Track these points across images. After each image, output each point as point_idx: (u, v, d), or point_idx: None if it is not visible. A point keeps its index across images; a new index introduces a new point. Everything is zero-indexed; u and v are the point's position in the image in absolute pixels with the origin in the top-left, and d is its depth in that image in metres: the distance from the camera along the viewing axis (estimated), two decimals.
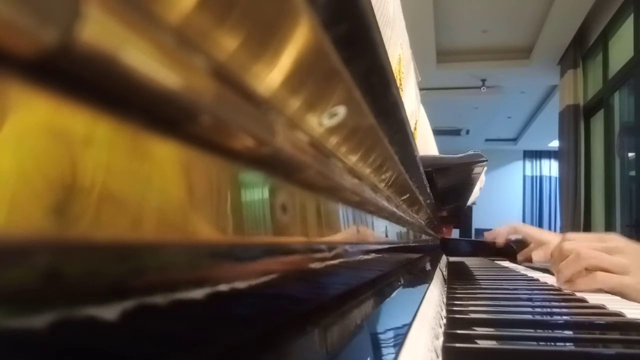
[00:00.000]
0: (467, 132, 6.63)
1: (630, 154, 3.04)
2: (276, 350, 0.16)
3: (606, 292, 0.72)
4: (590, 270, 0.75)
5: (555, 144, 4.92)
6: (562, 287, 0.77)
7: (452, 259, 1.59)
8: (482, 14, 3.66)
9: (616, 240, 0.78)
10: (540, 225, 7.31)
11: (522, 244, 1.29)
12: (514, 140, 7.21)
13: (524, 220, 7.37)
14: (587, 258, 0.75)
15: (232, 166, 0.14)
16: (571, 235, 0.83)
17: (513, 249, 1.37)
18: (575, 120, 3.79)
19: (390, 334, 0.32)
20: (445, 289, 0.66)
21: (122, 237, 0.10)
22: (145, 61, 0.09)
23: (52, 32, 0.07)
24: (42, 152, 0.08)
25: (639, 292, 0.70)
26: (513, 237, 1.38)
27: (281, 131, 0.16)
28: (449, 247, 1.80)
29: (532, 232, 1.23)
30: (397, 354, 0.27)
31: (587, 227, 3.63)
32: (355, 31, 0.19)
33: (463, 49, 4.30)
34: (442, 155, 1.28)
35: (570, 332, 0.43)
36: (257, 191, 0.16)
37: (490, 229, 1.50)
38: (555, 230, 7.06)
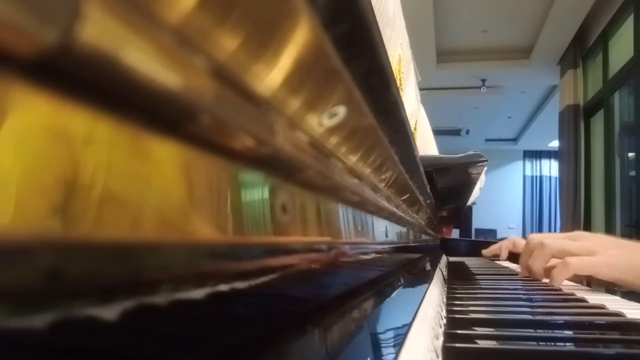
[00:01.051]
0: (467, 132, 6.63)
1: (630, 154, 3.04)
2: (276, 350, 0.16)
3: (579, 277, 0.74)
4: (557, 258, 0.77)
5: (555, 144, 4.92)
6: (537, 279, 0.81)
7: (452, 259, 1.59)
8: (482, 14, 3.66)
9: (577, 232, 0.82)
10: (540, 225, 7.30)
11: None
12: (514, 140, 7.21)
13: (524, 221, 7.37)
14: (551, 244, 0.79)
15: (232, 166, 0.14)
16: (534, 235, 0.88)
17: (513, 253, 1.38)
18: (575, 120, 3.79)
19: (390, 334, 0.32)
20: (445, 289, 0.66)
21: (123, 237, 0.10)
22: (145, 61, 0.09)
23: (52, 32, 0.07)
24: (42, 152, 0.08)
25: (610, 267, 0.71)
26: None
27: (281, 131, 0.16)
28: (449, 247, 1.80)
29: None
30: (397, 354, 0.27)
31: (587, 227, 3.63)
32: (355, 31, 0.19)
33: (463, 49, 4.30)
34: (442, 155, 1.28)
35: (570, 332, 0.43)
36: (257, 191, 0.16)
37: (490, 229, 1.53)
38: (555, 231, 7.05)
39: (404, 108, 0.34)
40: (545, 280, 0.81)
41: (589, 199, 3.71)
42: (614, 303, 0.57)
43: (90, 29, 0.08)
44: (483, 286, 0.74)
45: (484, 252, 1.51)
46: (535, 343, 0.38)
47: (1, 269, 0.07)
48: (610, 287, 0.76)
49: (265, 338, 0.16)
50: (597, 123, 3.62)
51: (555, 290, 0.72)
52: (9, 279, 0.07)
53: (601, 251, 0.74)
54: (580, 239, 0.78)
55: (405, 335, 0.31)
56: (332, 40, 0.17)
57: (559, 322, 0.47)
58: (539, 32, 3.84)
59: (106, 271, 0.09)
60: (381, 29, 0.23)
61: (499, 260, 1.45)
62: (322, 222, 0.23)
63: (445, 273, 0.94)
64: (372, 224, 0.37)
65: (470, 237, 5.04)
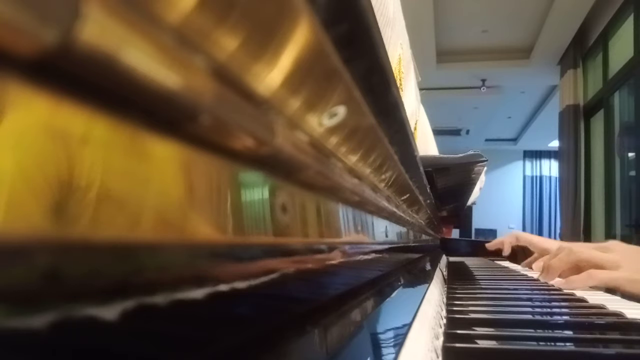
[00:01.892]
0: (467, 132, 6.63)
1: (630, 154, 3.04)
2: (276, 350, 0.16)
3: (600, 288, 0.74)
4: (582, 266, 0.77)
5: (555, 144, 4.91)
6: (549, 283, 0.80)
7: (452, 259, 1.59)
8: (482, 14, 3.66)
9: (611, 242, 0.81)
10: (540, 225, 7.30)
11: (523, 251, 1.30)
12: (514, 140, 7.21)
13: (524, 221, 7.37)
14: (579, 252, 0.78)
15: (232, 166, 0.14)
16: (566, 243, 0.88)
17: (514, 251, 1.37)
18: (575, 120, 3.79)
19: (390, 334, 0.32)
20: (445, 289, 0.66)
21: (123, 237, 0.10)
22: (145, 61, 0.09)
23: (52, 32, 0.07)
24: (42, 152, 0.08)
25: (632, 283, 0.72)
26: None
27: (281, 131, 0.16)
28: (449, 247, 1.80)
29: (534, 240, 1.23)
30: (397, 354, 0.27)
31: (587, 227, 3.63)
32: (355, 31, 0.19)
33: (463, 49, 4.30)
34: (442, 155, 1.28)
35: (570, 332, 0.43)
36: (257, 191, 0.16)
37: (490, 229, 1.53)
38: (555, 231, 7.03)
39: (404, 108, 0.34)
40: (559, 280, 0.80)
41: (589, 199, 3.71)
42: (614, 303, 0.57)
43: (90, 29, 0.08)
44: (483, 286, 0.74)
45: (487, 245, 1.51)
46: (535, 343, 0.38)
47: (0, 269, 0.07)
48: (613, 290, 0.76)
49: (265, 338, 0.16)
50: (597, 123, 3.62)
51: (555, 290, 0.72)
52: (6, 278, 0.07)
53: (627, 265, 0.74)
54: (611, 250, 0.78)
55: (405, 335, 0.31)
56: (332, 40, 0.17)
57: (559, 322, 0.47)
58: (539, 32, 3.84)
59: (108, 271, 0.09)
60: (381, 29, 0.23)
61: (501, 256, 1.45)
62: (322, 222, 0.23)
63: (445, 273, 0.94)
64: (372, 224, 0.37)
65: (471, 237, 5.04)
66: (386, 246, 0.44)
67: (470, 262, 1.42)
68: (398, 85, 0.74)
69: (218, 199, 0.13)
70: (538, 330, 0.42)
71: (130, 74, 0.09)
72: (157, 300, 0.10)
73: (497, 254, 1.46)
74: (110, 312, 0.09)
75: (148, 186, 0.10)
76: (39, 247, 0.08)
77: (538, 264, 1.08)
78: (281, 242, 0.18)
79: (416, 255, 0.77)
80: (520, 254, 1.34)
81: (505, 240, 1.41)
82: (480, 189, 2.19)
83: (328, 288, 0.25)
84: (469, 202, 2.22)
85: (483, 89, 4.81)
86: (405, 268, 0.58)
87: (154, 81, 0.09)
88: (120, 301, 0.09)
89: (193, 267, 0.12)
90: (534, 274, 1.02)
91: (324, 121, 0.20)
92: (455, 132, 6.56)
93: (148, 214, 0.10)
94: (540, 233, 7.22)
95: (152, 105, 0.10)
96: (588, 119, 3.78)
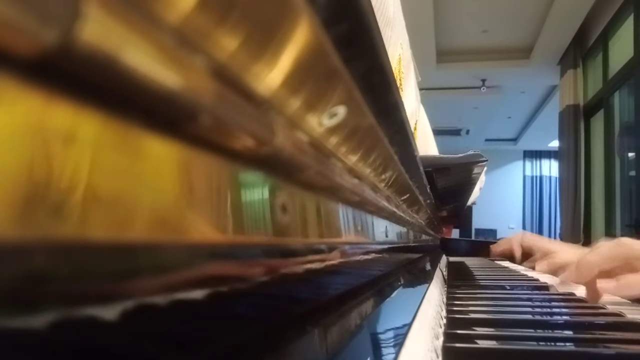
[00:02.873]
0: (467, 132, 6.63)
1: (630, 154, 3.05)
2: (276, 350, 0.16)
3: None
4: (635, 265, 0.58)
5: (555, 144, 4.92)
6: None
7: (452, 259, 1.59)
8: (482, 14, 3.66)
9: None
10: (540, 225, 7.31)
11: (527, 252, 1.26)
12: (514, 140, 7.22)
13: (524, 221, 7.37)
14: (632, 245, 0.59)
15: (232, 166, 0.14)
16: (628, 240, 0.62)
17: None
18: (575, 120, 3.79)
19: (390, 334, 0.32)
20: (445, 289, 0.66)
21: (125, 238, 0.10)
22: (145, 61, 0.09)
23: (52, 32, 0.07)
24: (41, 152, 0.08)
25: None
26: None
27: (281, 131, 0.16)
28: (449, 247, 1.80)
29: (538, 242, 1.18)
30: (397, 354, 0.27)
31: (587, 227, 3.63)
32: (355, 31, 0.19)
33: (463, 49, 4.30)
34: (442, 155, 1.28)
35: (570, 332, 0.43)
36: (257, 191, 0.16)
37: (490, 229, 1.48)
38: (555, 231, 7.01)
39: (404, 108, 0.34)
40: (604, 285, 0.60)
41: (589, 199, 3.71)
42: (614, 303, 0.57)
43: (90, 29, 0.08)
44: (483, 286, 0.74)
45: (492, 248, 1.38)
46: (535, 343, 0.38)
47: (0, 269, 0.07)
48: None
49: (265, 338, 0.16)
50: (597, 123, 3.62)
51: (555, 290, 0.72)
52: (6, 279, 0.07)
53: None
54: None
55: (405, 335, 0.31)
56: (332, 40, 0.17)
57: (559, 322, 0.47)
58: (539, 32, 3.85)
59: (110, 272, 0.09)
60: (381, 29, 0.23)
61: (497, 258, 1.41)
62: (322, 222, 0.23)
63: (445, 273, 0.93)
64: (372, 224, 0.37)
65: (471, 237, 5.04)
66: (386, 246, 0.44)
67: (470, 262, 1.42)
68: (398, 85, 0.74)
69: (218, 199, 0.13)
70: (538, 330, 0.42)
71: (130, 74, 0.09)
72: (158, 300, 0.10)
73: (503, 256, 1.36)
74: (111, 313, 0.09)
75: (147, 186, 0.10)
76: (43, 247, 0.08)
77: (542, 265, 0.97)
78: (281, 242, 0.18)
79: (416, 255, 0.77)
80: (524, 258, 1.29)
81: (514, 243, 1.25)
82: (480, 189, 2.19)
83: (328, 288, 0.25)
84: (469, 202, 2.22)
85: (483, 89, 4.82)
86: (405, 268, 0.58)
87: (154, 81, 0.09)
88: (122, 301, 0.09)
89: (193, 267, 0.12)
90: (534, 274, 1.02)
91: (324, 121, 0.20)
92: (455, 132, 6.56)
93: (149, 214, 0.10)
94: (540, 233, 7.23)
95: (152, 105, 0.10)
96: (588, 119, 3.78)
